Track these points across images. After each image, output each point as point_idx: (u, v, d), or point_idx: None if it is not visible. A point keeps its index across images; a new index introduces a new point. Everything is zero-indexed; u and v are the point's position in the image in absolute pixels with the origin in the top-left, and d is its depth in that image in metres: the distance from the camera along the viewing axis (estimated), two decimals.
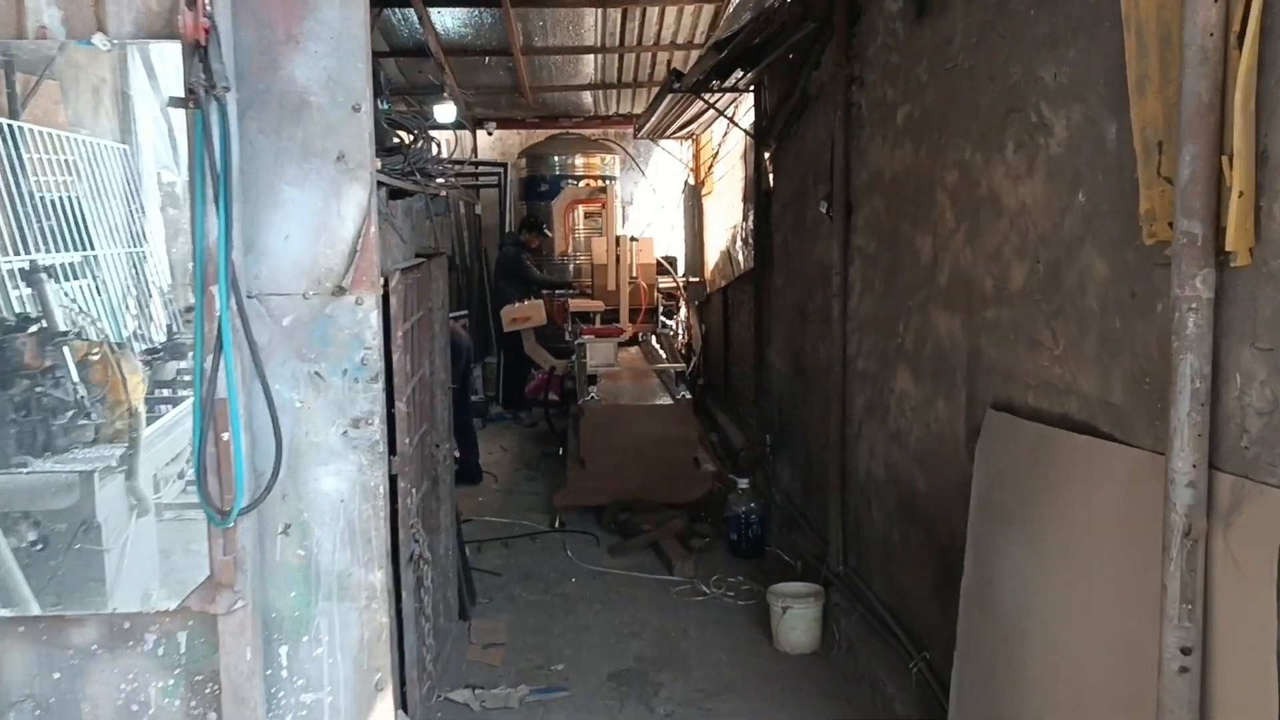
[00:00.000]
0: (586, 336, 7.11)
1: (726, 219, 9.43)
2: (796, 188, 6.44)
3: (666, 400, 6.90)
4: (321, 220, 2.09)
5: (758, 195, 7.54)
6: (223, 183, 1.97)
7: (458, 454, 8.14)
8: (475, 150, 12.90)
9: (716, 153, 10.11)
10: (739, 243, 8.67)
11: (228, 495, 2.11)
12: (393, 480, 3.20)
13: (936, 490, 3.87)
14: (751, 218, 7.93)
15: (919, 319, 4.06)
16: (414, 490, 3.54)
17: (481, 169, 12.85)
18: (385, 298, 3.17)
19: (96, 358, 4.15)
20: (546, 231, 10.84)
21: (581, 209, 11.89)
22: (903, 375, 4.28)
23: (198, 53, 1.95)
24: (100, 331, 4.63)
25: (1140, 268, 2.39)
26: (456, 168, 12.92)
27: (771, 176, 7.38)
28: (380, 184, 3.40)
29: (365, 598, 2.33)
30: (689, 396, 6.84)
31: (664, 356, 8.90)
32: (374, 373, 2.11)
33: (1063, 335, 2.81)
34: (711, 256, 10.67)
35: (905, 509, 4.27)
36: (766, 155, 7.45)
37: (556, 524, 6.82)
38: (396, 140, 4.36)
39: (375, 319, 2.11)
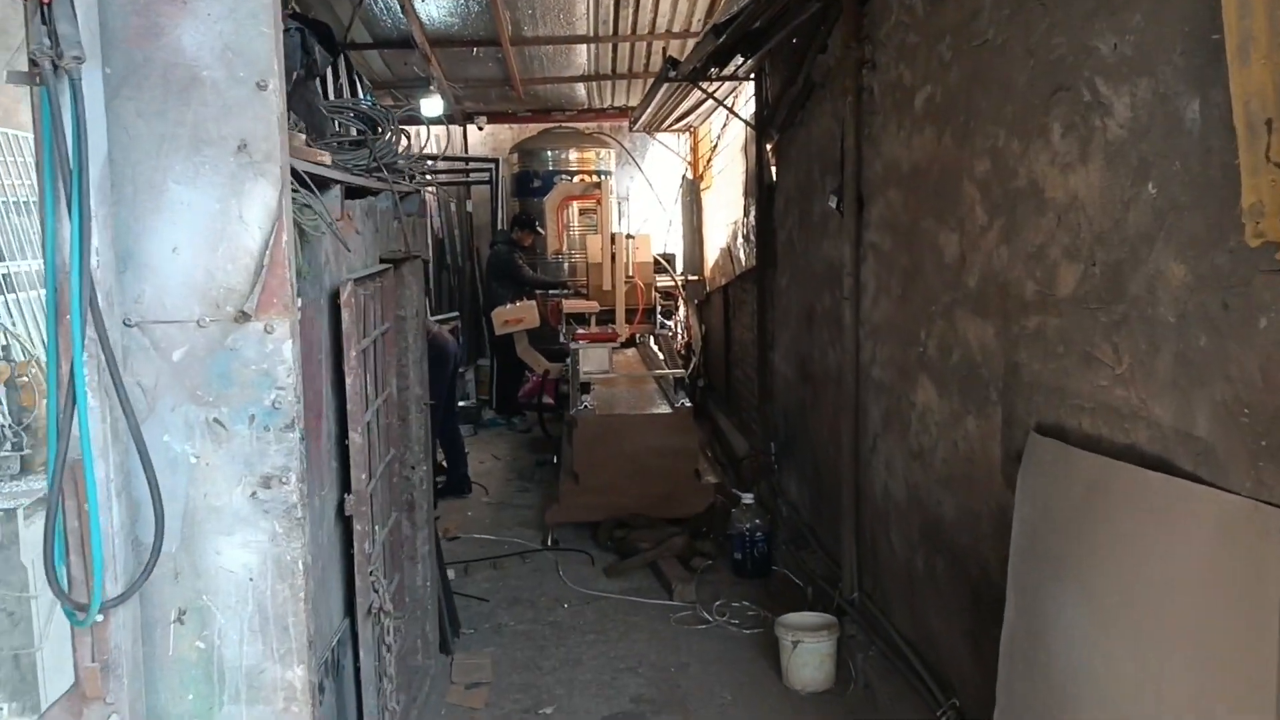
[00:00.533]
0: (579, 342, 6.69)
1: (726, 214, 9.01)
2: (802, 181, 6.01)
3: (665, 408, 6.48)
4: (219, 227, 1.64)
5: (760, 189, 7.12)
6: (75, 179, 1.52)
7: (444, 463, 7.75)
8: (466, 146, 12.49)
9: (715, 145, 9.67)
10: (740, 239, 8.25)
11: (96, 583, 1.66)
12: (348, 522, 2.79)
13: (967, 518, 3.45)
14: (753, 213, 7.51)
15: (943, 325, 3.64)
16: (376, 529, 3.12)
17: (473, 165, 12.42)
18: (335, 311, 2.75)
19: (24, 379, 3.74)
20: (539, 229, 10.41)
21: (576, 205, 11.47)
22: (925, 387, 3.86)
23: (41, 11, 1.51)
24: (28, 350, 4.24)
25: (1236, 274, 1.96)
26: (438, 163, 12.51)
27: (774, 169, 6.96)
28: (334, 181, 2.99)
29: (282, 699, 1.86)
30: (689, 404, 6.42)
31: (662, 359, 8.48)
32: (288, 419, 1.66)
33: (1127, 351, 2.39)
34: (711, 254, 10.25)
35: (929, 535, 3.85)
36: (769, 147, 7.03)
37: (549, 542, 6.40)
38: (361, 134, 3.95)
39: (290, 351, 1.66)
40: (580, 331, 7.33)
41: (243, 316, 1.61)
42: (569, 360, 9.25)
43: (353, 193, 3.34)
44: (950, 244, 3.55)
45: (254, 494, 1.67)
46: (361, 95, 9.36)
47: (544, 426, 9.48)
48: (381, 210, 3.57)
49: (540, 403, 9.50)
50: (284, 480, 1.66)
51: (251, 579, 1.71)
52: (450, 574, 5.78)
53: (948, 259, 3.58)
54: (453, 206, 12.51)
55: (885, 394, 4.37)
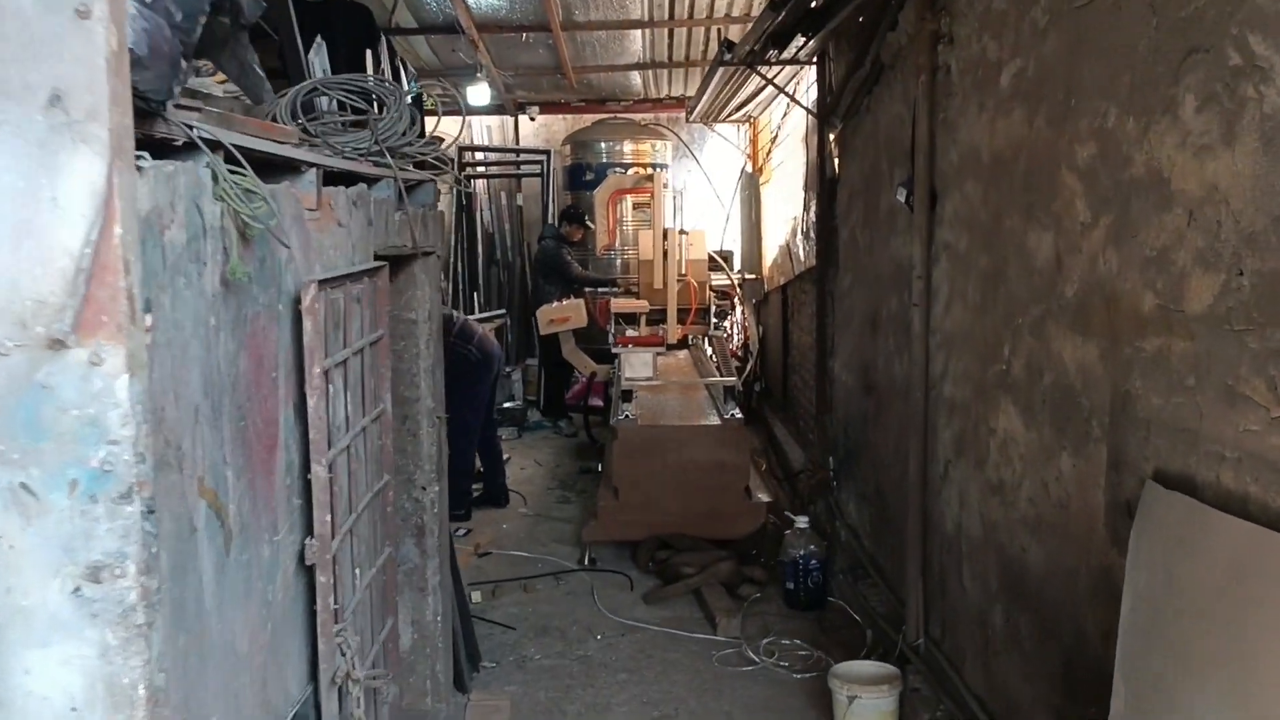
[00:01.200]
0: (622, 346, 6.20)
1: (786, 210, 8.46)
2: (867, 173, 5.46)
3: (713, 419, 5.97)
4: (24, 215, 1.15)
5: (821, 182, 6.57)
6: None
7: (482, 471, 7.32)
8: (517, 137, 12.07)
9: (775, 137, 9.12)
10: (799, 236, 7.70)
11: None
12: (310, 571, 2.32)
13: (1059, 572, 2.90)
14: (813, 208, 6.96)
15: (1032, 341, 3.09)
16: (356, 574, 2.65)
17: (523, 157, 11.99)
18: (298, 319, 2.29)
19: None
20: (589, 223, 9.93)
21: (630, 199, 10.97)
22: (1006, 412, 3.31)
23: None
24: None
25: None
26: (488, 155, 12.09)
27: (837, 161, 6.41)
28: (307, 165, 2.53)
29: None
30: (739, 416, 5.90)
31: (715, 364, 7.96)
32: (125, 486, 1.17)
33: None
34: (769, 251, 9.69)
35: (1011, 585, 3.29)
36: (831, 136, 6.48)
37: (586, 561, 5.93)
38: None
39: (128, 390, 1.15)
40: (623, 335, 6.83)
41: (57, 344, 1.14)
42: (613, 366, 8.78)
43: (339, 179, 2.88)
44: (1042, 245, 3.00)
45: (77, 590, 1.17)
46: (406, 83, 8.96)
47: (589, 431, 9.02)
48: (378, 200, 3.11)
49: (586, 405, 9.04)
50: (119, 571, 1.16)
51: (74, 709, 1.22)
52: (476, 596, 5.35)
53: (1038, 262, 3.03)
54: (503, 199, 12.10)
55: (959, 415, 3.81)
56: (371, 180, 3.24)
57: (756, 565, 5.57)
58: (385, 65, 8.56)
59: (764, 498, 5.94)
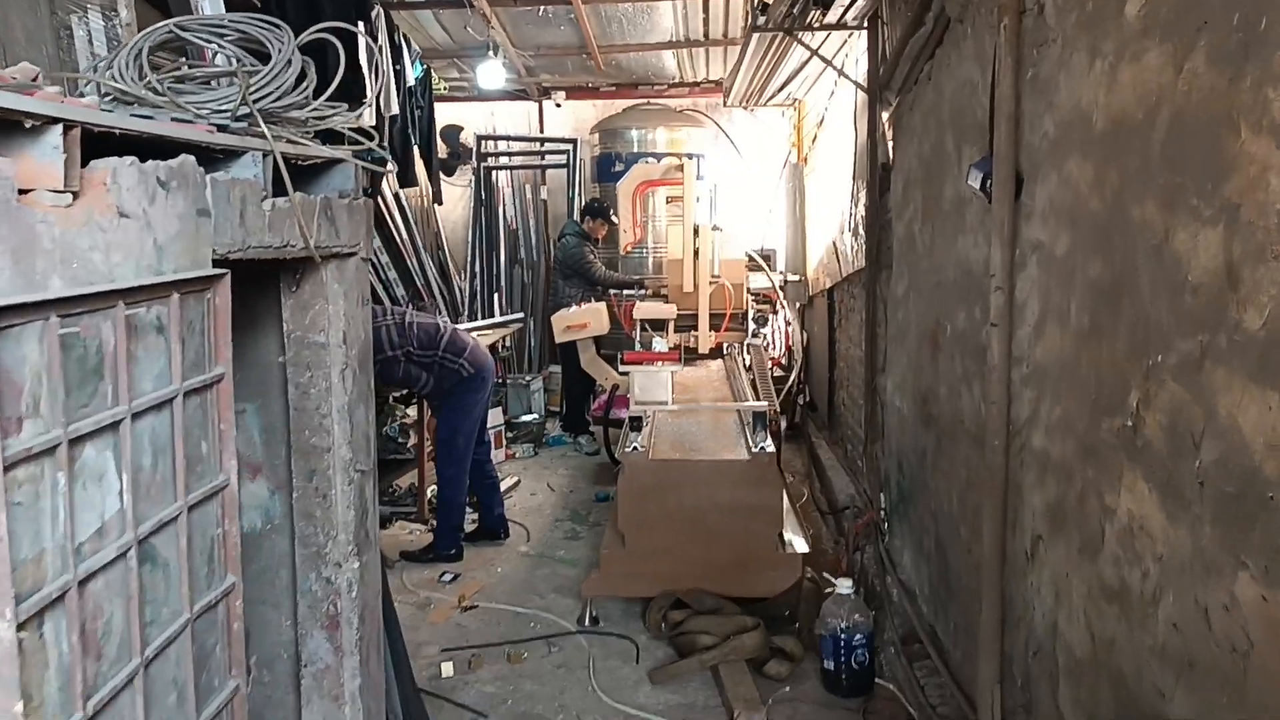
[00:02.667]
0: (631, 365, 5.22)
1: (832, 203, 7.44)
2: (927, 156, 4.45)
3: (740, 453, 4.98)
4: None
5: (872, 170, 5.56)
6: None
7: (474, 510, 6.40)
8: (541, 124, 11.15)
9: (821, 120, 8.09)
10: (846, 233, 6.68)
11: None
12: None
13: None
14: (863, 200, 5.95)
15: (1179, 390, 2.08)
16: None
17: (548, 146, 11.05)
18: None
19: None
20: (614, 218, 8.99)
21: (662, 192, 10.00)
22: (1134, 488, 2.30)
23: None
24: None
25: None
26: (511, 144, 11.16)
27: (891, 144, 5.40)
28: (45, 119, 1.60)
29: None
30: (771, 448, 4.90)
31: (750, 377, 6.96)
32: None
33: None
34: (814, 250, 8.67)
35: None
36: (884, 115, 5.47)
37: (586, 620, 4.98)
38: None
39: None
40: (633, 351, 5.86)
41: None
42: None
43: (155, 151, 1.94)
44: (1200, 247, 1.99)
45: None
46: (409, 62, 8.08)
47: (609, 450, 8.06)
48: (226, 181, 2.17)
49: (608, 420, 8.09)
50: None
51: None
52: (448, 669, 4.44)
53: (1192, 273, 2.02)
54: (527, 193, 11.18)
55: (1055, 477, 2.81)
56: (229, 155, 2.31)
57: (789, 634, 4.57)
58: (383, 39, 7.69)
59: (800, 546, 4.94)
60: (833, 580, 4.33)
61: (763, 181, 10.54)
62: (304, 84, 2.63)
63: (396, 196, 10.86)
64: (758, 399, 6.04)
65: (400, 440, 6.68)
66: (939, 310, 4.19)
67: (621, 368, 5.10)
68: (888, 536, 5.35)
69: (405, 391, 6.90)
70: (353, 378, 2.97)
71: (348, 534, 2.97)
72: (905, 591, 4.76)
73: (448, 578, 5.65)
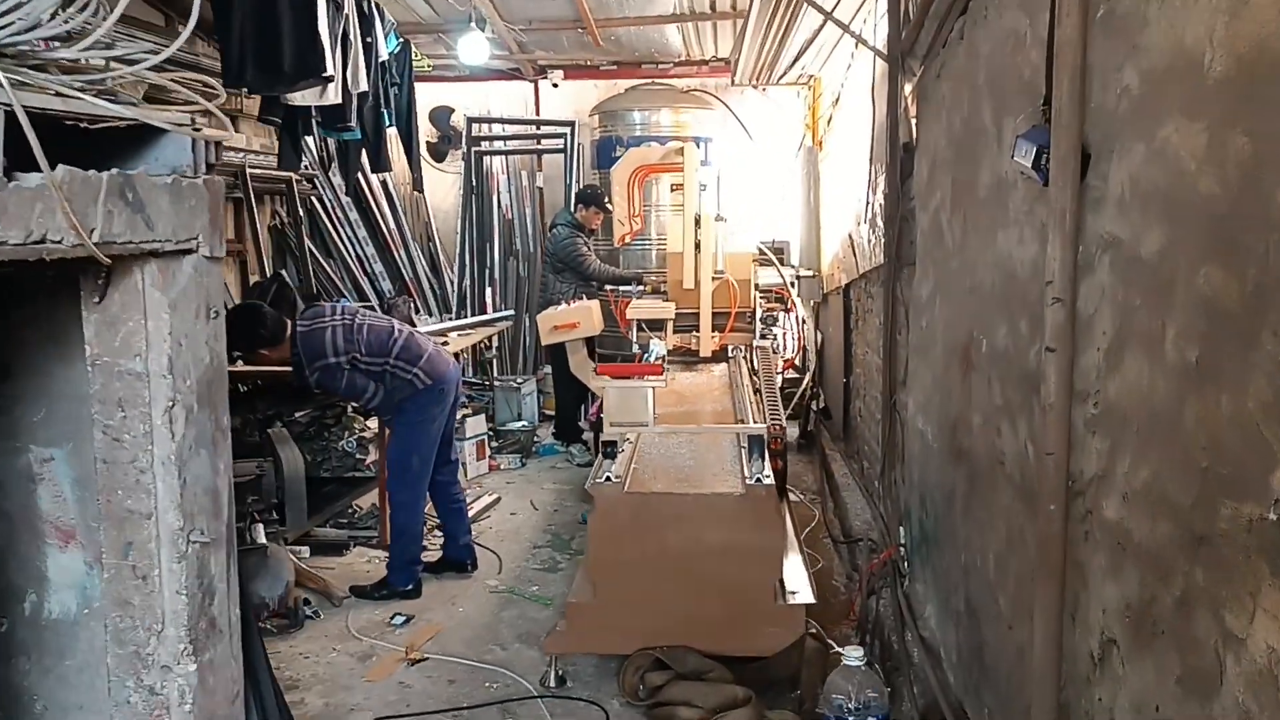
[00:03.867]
0: (602, 379, 4.42)
1: (848, 190, 6.63)
2: (959, 132, 3.66)
3: (733, 485, 4.21)
4: None
5: (891, 151, 4.76)
6: None
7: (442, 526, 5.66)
8: (537, 106, 10.37)
9: (838, 97, 7.28)
10: (863, 224, 5.88)
11: None
12: None
13: None
14: (881, 187, 5.15)
15: None
16: None
17: (544, 129, 10.28)
18: None
19: None
20: (609, 206, 8.23)
21: (666, 180, 9.23)
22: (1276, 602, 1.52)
23: None
24: None
25: None
26: (505, 128, 10.38)
27: (914, 121, 4.61)
28: None
29: None
30: (770, 480, 4.12)
31: (755, 384, 6.18)
32: None
33: None
34: (830, 243, 7.87)
35: None
36: (907, 88, 4.68)
37: (552, 681, 4.23)
38: None
39: None
40: (608, 363, 5.07)
41: None
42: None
43: None
44: None
45: None
46: (382, 35, 7.33)
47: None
48: None
49: (598, 430, 7.32)
50: None
51: None
52: None
53: None
54: (523, 180, 10.42)
55: (1141, 568, 2.02)
56: None
57: (788, 709, 3.81)
58: (349, 7, 6.94)
59: (804, 596, 4.16)
60: (841, 650, 3.55)
61: (775, 168, 9.74)
62: (80, 8, 1.87)
63: (384, 184, 10.15)
64: (760, 413, 5.26)
65: (359, 456, 5.94)
66: (972, 321, 3.41)
67: (594, 382, 4.33)
68: (908, 579, 4.57)
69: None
70: (186, 418, 2.21)
71: (179, 627, 2.23)
72: (928, 652, 3.98)
73: (399, 620, 4.91)
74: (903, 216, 4.72)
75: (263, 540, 4.56)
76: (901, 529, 4.74)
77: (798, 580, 4.32)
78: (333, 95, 6.77)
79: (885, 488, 4.92)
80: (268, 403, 6.07)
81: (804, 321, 8.47)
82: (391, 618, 4.94)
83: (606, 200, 8.24)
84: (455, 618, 4.99)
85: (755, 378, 6.59)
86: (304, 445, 5.98)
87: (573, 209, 8.31)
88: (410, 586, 5.20)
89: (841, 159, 7.09)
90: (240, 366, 5.93)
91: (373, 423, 6.04)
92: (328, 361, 4.87)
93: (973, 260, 3.43)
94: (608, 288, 8.11)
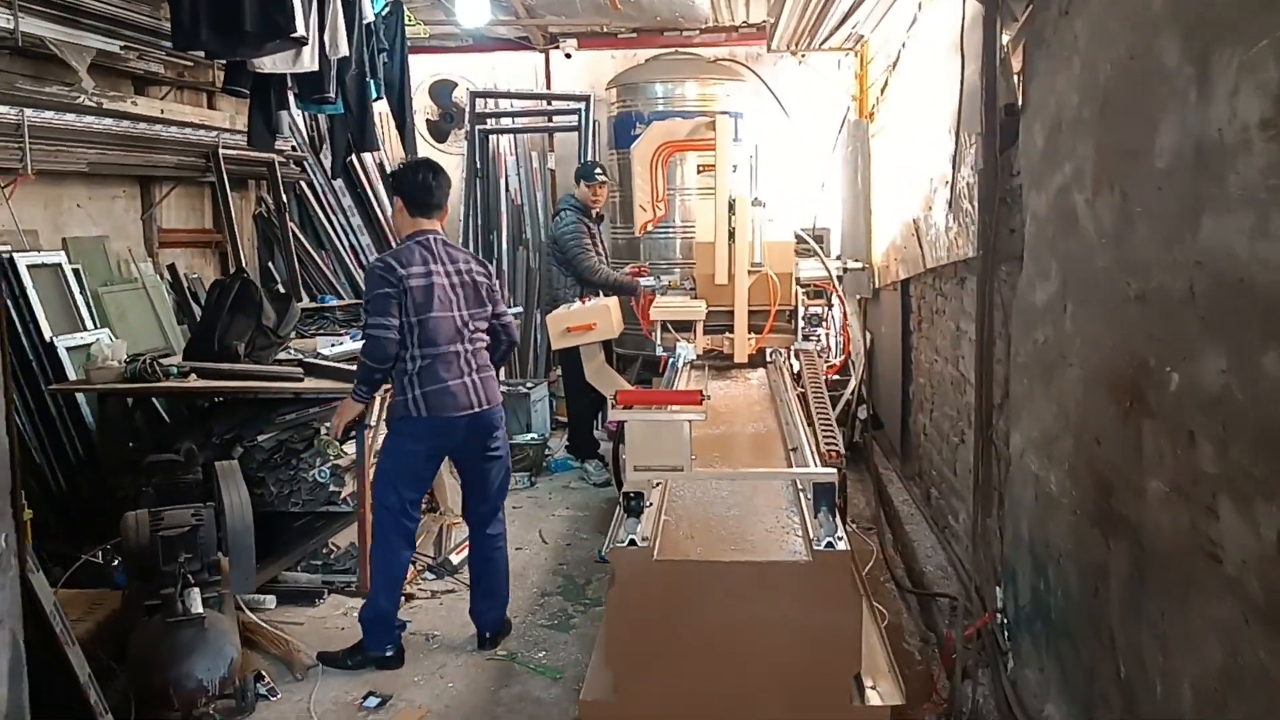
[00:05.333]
0: (623, 411, 3.40)
1: (913, 167, 5.62)
2: (1110, 83, 2.68)
3: (795, 548, 3.24)
4: None
5: (989, 118, 3.76)
6: None
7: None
8: (549, 79, 9.38)
9: (895, 60, 6.26)
10: (938, 209, 4.88)
11: None
12: None
13: None
14: (971, 161, 4.15)
15: None
16: None
17: (556, 105, 9.29)
18: None
19: None
20: (599, 176, 7.30)
21: (693, 159, 8.26)
22: None
23: None
24: None
25: None
26: (512, 104, 9.39)
27: (1020, 79, 3.62)
28: None
29: None
30: (844, 544, 3.15)
31: (799, 396, 5.21)
32: None
33: None
34: (883, 230, 6.87)
35: None
36: (1007, 38, 3.70)
37: None
38: None
39: None
40: (629, 390, 4.07)
41: None
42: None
43: None
44: None
45: None
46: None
47: (617, 474, 6.35)
48: None
49: (617, 445, 6.38)
50: None
51: None
52: None
53: None
54: (533, 161, 9.44)
55: None
56: None
57: None
58: None
59: (888, 695, 3.19)
60: None
61: (814, 146, 8.74)
62: None
63: (381, 167, 9.20)
64: (815, 439, 4.29)
65: (333, 488, 5.00)
66: (1144, 343, 2.43)
67: (613, 414, 3.33)
68: (1011, 659, 3.61)
69: (351, 431, 5.22)
70: None
71: None
72: None
73: (373, 702, 3.98)
74: (1005, 198, 3.73)
75: (198, 609, 3.63)
76: (999, 590, 3.77)
77: (877, 665, 3.35)
78: (308, 61, 5.83)
79: (975, 535, 3.94)
80: (226, 424, 5.15)
81: (848, 316, 7.47)
82: (364, 698, 4.01)
83: (598, 170, 7.29)
84: (443, 697, 4.05)
85: (798, 385, 5.62)
86: (270, 474, 5.05)
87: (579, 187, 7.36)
88: (389, 653, 4.26)
89: (901, 132, 6.08)
90: (195, 381, 5.02)
91: (350, 448, 5.10)
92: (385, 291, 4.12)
93: (1142, 258, 2.44)
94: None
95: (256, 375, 5.07)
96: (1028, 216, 3.49)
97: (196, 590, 3.68)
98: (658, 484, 3.40)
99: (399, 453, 4.29)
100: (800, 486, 3.67)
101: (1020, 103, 3.61)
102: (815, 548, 3.15)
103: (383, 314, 4.09)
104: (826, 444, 4.45)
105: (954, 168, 4.34)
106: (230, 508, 3.87)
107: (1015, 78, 3.66)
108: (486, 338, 4.38)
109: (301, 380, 5.03)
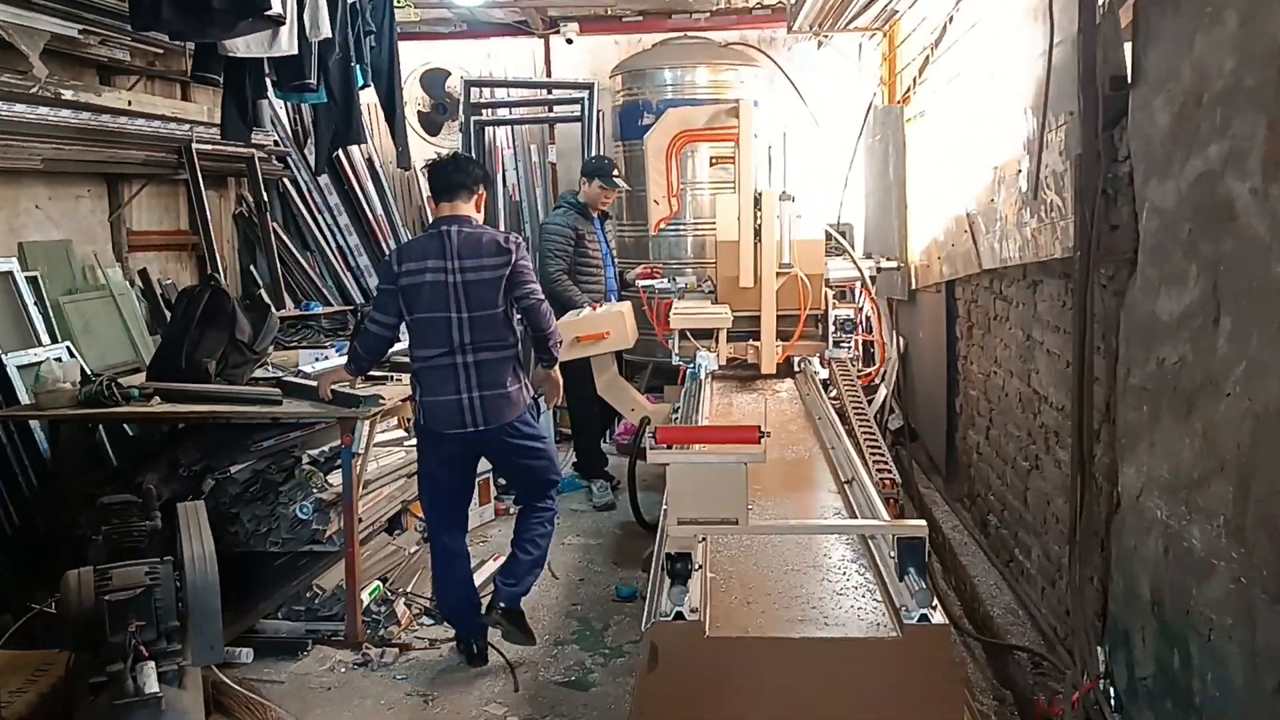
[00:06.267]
0: (666, 452, 2.78)
1: (967, 155, 5.02)
2: None
3: (878, 620, 2.64)
4: None
5: (1088, 94, 3.17)
6: None
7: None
8: (549, 67, 8.78)
9: (940, 33, 5.64)
10: (1003, 200, 4.26)
11: None
12: None
13: None
14: (1059, 145, 3.54)
15: None
16: None
17: (556, 94, 8.67)
18: None
19: None
20: (618, 180, 6.67)
21: (705, 151, 7.70)
22: None
23: None
24: None
25: None
26: (509, 93, 8.77)
27: (1135, 41, 3.02)
28: None
29: None
30: (939, 616, 2.56)
31: (839, 412, 4.63)
32: None
33: None
34: (921, 226, 6.28)
35: None
36: None
37: None
38: None
39: None
40: (670, 427, 3.45)
41: None
42: (675, 410, 5.55)
43: None
44: None
45: None
46: None
47: (636, 505, 5.78)
48: None
49: (637, 451, 5.80)
50: None
51: None
52: None
53: None
54: (533, 155, 8.84)
55: None
56: None
57: None
58: None
59: None
60: None
61: (834, 136, 8.14)
62: None
63: (370, 162, 8.60)
64: (868, 472, 3.70)
65: (317, 526, 4.39)
66: None
67: (652, 455, 2.71)
68: None
69: (326, 451, 4.66)
70: None
71: None
72: None
73: None
74: (1110, 188, 3.14)
75: (153, 688, 3.02)
76: (1101, 651, 3.19)
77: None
78: (285, 44, 5.22)
79: (1074, 587, 3.35)
80: (195, 453, 4.54)
81: (881, 317, 6.87)
82: None
83: (616, 174, 6.66)
84: None
85: (832, 397, 5.04)
86: (244, 509, 4.45)
87: (578, 188, 6.73)
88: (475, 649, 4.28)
89: (949, 117, 5.48)
90: (159, 405, 4.41)
91: (335, 478, 4.50)
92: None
93: None
94: (639, 284, 6.56)
95: (228, 397, 4.46)
96: (1143, 210, 2.91)
97: (151, 665, 3.07)
98: (697, 559, 2.78)
99: (420, 459, 4.30)
100: (871, 543, 3.06)
101: (1130, 75, 3.02)
102: (905, 620, 2.55)
103: (380, 308, 4.06)
104: (879, 471, 3.88)
105: (1033, 154, 3.74)
106: (191, 562, 3.25)
107: (1128, 47, 3.07)
108: (506, 349, 4.06)
109: (280, 403, 4.42)
